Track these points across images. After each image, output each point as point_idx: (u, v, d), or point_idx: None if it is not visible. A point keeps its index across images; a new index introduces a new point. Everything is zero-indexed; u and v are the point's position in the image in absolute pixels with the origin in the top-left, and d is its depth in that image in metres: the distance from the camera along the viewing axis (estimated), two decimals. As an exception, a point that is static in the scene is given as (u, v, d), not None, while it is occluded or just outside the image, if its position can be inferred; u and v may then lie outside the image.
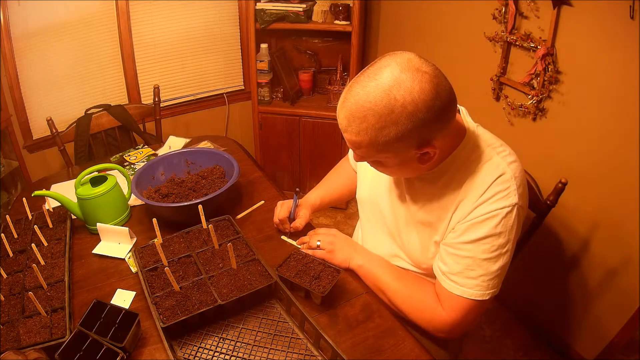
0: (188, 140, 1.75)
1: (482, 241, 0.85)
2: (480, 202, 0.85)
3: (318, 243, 1.09)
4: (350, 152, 1.33)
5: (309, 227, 1.23)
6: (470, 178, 0.88)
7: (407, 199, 1.00)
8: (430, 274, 1.01)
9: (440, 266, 0.93)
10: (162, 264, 1.04)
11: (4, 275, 1.06)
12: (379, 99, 0.75)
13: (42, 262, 1.09)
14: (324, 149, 2.51)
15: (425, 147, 0.81)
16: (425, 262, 1.01)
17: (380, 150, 0.80)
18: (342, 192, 1.32)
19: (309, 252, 1.07)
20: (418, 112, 0.74)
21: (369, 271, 1.04)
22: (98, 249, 1.18)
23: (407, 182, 1.00)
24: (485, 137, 0.92)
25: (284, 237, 1.21)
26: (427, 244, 0.98)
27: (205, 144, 1.69)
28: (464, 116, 0.93)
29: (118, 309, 0.91)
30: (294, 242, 1.18)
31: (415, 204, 0.98)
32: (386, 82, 0.75)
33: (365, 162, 1.06)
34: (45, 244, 1.16)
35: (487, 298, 0.88)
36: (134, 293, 1.04)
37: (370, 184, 1.11)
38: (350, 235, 1.31)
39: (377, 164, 0.90)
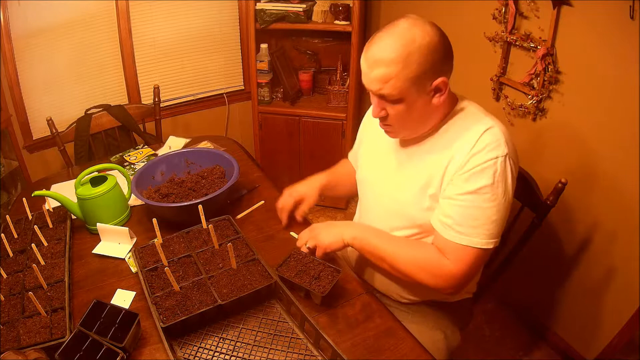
0: (188, 140, 1.75)
1: (482, 190, 0.91)
2: (474, 152, 0.92)
3: (308, 246, 1.08)
4: (351, 153, 1.35)
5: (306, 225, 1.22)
6: (460, 132, 0.96)
7: (404, 165, 1.06)
8: (425, 231, 1.04)
9: (442, 219, 0.96)
10: (162, 264, 1.04)
11: (4, 275, 1.06)
12: (401, 35, 0.88)
13: (42, 262, 1.09)
14: (324, 149, 2.51)
15: (440, 77, 0.90)
16: (422, 218, 1.02)
17: (406, 80, 0.88)
18: (345, 183, 1.34)
19: (306, 250, 1.08)
20: (433, 43, 0.88)
21: (364, 240, 1.04)
22: (98, 249, 1.18)
23: (402, 150, 1.07)
24: (475, 104, 1.02)
25: (292, 234, 1.21)
26: (421, 198, 1.01)
27: (205, 144, 1.69)
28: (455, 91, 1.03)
29: (118, 309, 0.91)
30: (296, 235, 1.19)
31: (411, 167, 1.04)
32: (404, 26, 0.90)
33: (365, 145, 1.20)
34: (45, 244, 1.16)
35: (490, 247, 0.94)
36: (134, 293, 1.04)
37: (369, 161, 1.18)
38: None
39: (397, 106, 0.93)
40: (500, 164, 0.91)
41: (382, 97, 0.93)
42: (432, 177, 0.99)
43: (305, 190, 1.27)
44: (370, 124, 1.19)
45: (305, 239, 1.09)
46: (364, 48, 0.93)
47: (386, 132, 1.04)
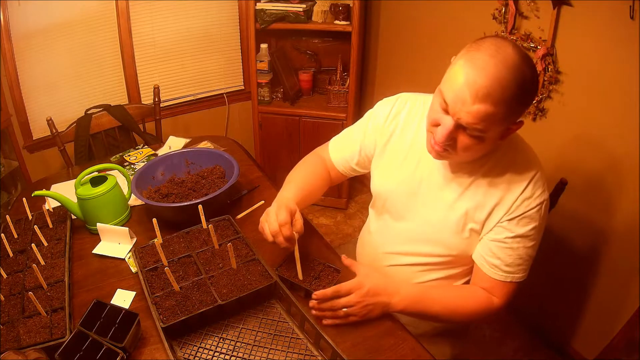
0: (188, 140, 1.75)
1: (531, 232, 0.95)
2: (525, 197, 0.93)
3: (344, 309, 0.94)
4: (330, 148, 1.23)
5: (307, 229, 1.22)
6: (509, 172, 0.94)
7: (444, 187, 1.01)
8: (456, 261, 1.05)
9: (490, 260, 0.97)
10: (162, 264, 1.04)
11: (4, 275, 1.06)
12: (514, 70, 0.78)
13: (42, 262, 1.09)
14: (324, 149, 2.51)
15: (515, 124, 0.87)
16: (456, 246, 1.02)
17: (501, 121, 0.82)
18: (317, 193, 1.20)
19: (337, 321, 0.94)
20: (535, 89, 0.85)
21: (415, 309, 0.98)
22: (98, 249, 1.18)
23: (444, 172, 1.01)
24: (519, 136, 0.99)
25: (295, 233, 0.99)
26: (462, 228, 1.00)
27: (205, 144, 1.69)
28: None
29: (118, 309, 0.91)
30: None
31: (453, 192, 1.00)
32: (516, 58, 0.79)
33: (389, 155, 1.09)
34: (45, 244, 1.16)
35: (525, 277, 0.99)
36: (134, 293, 1.04)
37: (399, 175, 1.07)
38: (359, 229, 1.31)
39: (474, 139, 0.85)
40: (544, 209, 0.94)
41: (465, 128, 0.84)
42: (476, 211, 0.97)
43: (292, 207, 1.02)
44: (401, 133, 1.07)
45: (349, 302, 0.93)
46: (464, 63, 0.81)
47: (436, 152, 0.92)
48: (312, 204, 1.26)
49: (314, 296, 0.93)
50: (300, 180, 1.19)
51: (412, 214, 1.07)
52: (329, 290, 0.93)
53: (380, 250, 1.16)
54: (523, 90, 0.80)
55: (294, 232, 0.98)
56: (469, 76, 0.80)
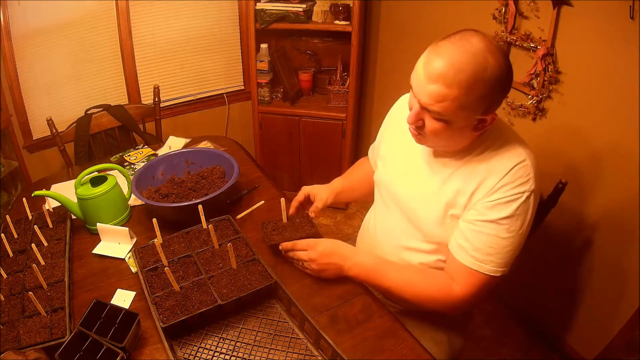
0: (188, 140, 1.75)
1: (503, 221, 0.91)
2: (502, 184, 0.91)
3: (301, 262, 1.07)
4: (371, 149, 1.32)
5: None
6: (493, 159, 0.93)
7: (428, 176, 1.02)
8: (439, 249, 1.04)
9: (459, 242, 0.97)
10: (162, 264, 1.04)
11: (4, 275, 1.06)
12: (474, 57, 0.81)
13: (42, 262, 1.09)
14: (324, 149, 2.51)
15: (488, 114, 0.88)
16: (439, 235, 1.02)
17: (459, 107, 0.84)
18: (362, 187, 1.33)
19: (300, 268, 1.09)
20: (501, 80, 0.84)
21: (366, 278, 1.04)
22: (98, 249, 1.18)
23: (429, 159, 1.03)
24: (509, 128, 1.00)
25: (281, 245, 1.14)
26: (443, 216, 1.00)
27: (205, 144, 1.69)
28: None
29: (118, 309, 0.91)
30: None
31: (437, 180, 1.01)
32: (480, 47, 0.82)
33: (386, 143, 1.16)
34: (45, 244, 1.16)
35: (498, 275, 0.95)
36: (134, 293, 1.04)
37: (392, 164, 1.13)
38: (359, 229, 1.33)
39: (438, 123, 0.89)
40: (524, 200, 0.91)
41: (427, 110, 0.89)
42: (458, 196, 0.97)
43: (319, 190, 1.26)
44: (396, 123, 1.14)
45: (302, 256, 1.05)
46: (428, 49, 0.87)
47: (414, 136, 0.98)
48: (362, 197, 1.37)
49: (280, 247, 1.09)
50: (347, 175, 1.37)
51: (403, 205, 1.09)
52: (289, 244, 1.08)
53: (376, 237, 1.20)
54: (482, 78, 0.81)
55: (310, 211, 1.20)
56: (428, 60, 0.85)
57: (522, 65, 1.59)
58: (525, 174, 0.91)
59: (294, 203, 1.25)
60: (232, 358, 0.88)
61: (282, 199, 1.17)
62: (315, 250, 1.04)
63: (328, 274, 1.05)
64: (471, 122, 0.89)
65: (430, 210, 1.01)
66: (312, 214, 1.20)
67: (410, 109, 0.94)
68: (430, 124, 0.90)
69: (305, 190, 1.27)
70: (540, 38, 1.50)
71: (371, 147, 1.32)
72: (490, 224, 0.92)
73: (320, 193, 1.25)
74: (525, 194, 0.90)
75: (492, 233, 0.92)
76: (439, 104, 0.85)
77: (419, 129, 0.94)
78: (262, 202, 1.36)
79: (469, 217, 0.95)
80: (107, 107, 1.93)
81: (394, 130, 1.15)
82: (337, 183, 1.31)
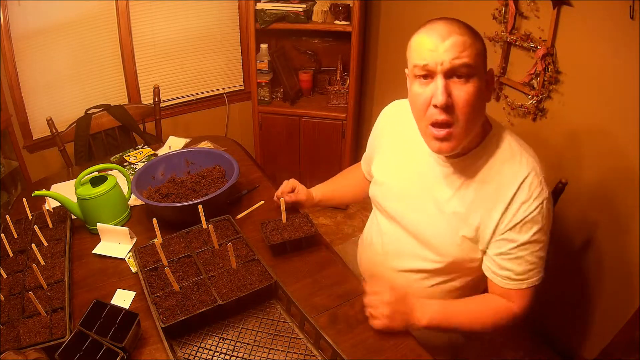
0: (188, 140, 1.75)
1: (535, 236, 0.91)
2: (521, 201, 0.90)
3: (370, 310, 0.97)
4: (364, 159, 1.30)
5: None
6: (502, 174, 0.92)
7: (435, 191, 1.00)
8: (453, 268, 1.02)
9: (500, 272, 0.95)
10: (162, 264, 1.04)
11: (4, 275, 1.06)
12: (460, 21, 0.88)
13: (42, 262, 1.09)
14: (324, 149, 2.51)
15: (487, 73, 0.90)
16: (451, 255, 1.00)
17: (478, 54, 0.86)
18: (345, 194, 1.33)
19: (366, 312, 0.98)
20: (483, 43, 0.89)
21: (439, 324, 0.97)
22: (98, 249, 1.18)
23: (435, 172, 1.00)
24: (511, 134, 0.97)
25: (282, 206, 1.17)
26: (455, 236, 0.98)
27: (205, 144, 1.69)
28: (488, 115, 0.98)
29: (118, 309, 0.91)
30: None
31: (444, 195, 0.99)
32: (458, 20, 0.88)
33: (382, 158, 1.14)
34: (45, 244, 1.16)
35: (542, 278, 0.96)
36: (134, 293, 1.04)
37: (391, 181, 1.10)
38: (359, 229, 1.32)
39: (468, 84, 0.86)
40: (546, 208, 0.90)
41: (454, 72, 0.84)
42: (468, 216, 0.94)
43: (301, 187, 1.28)
44: (389, 137, 1.12)
45: (374, 301, 0.95)
46: (420, 31, 0.90)
47: (441, 139, 0.90)
48: (341, 204, 1.38)
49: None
50: (332, 181, 1.38)
51: (404, 217, 1.07)
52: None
53: (378, 253, 1.16)
54: (475, 30, 0.88)
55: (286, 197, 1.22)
56: (428, 33, 0.88)
57: (522, 65, 1.59)
58: (538, 184, 0.90)
59: (284, 195, 1.25)
60: (232, 358, 0.88)
61: (282, 199, 1.17)
62: (390, 294, 0.95)
63: (397, 324, 0.93)
64: (484, 80, 0.89)
65: (437, 225, 0.99)
66: (287, 198, 1.22)
67: (427, 103, 0.88)
68: (461, 90, 0.85)
69: (290, 182, 1.28)
70: (540, 38, 1.50)
71: (364, 156, 1.30)
72: (523, 246, 0.91)
73: (300, 189, 1.28)
74: (544, 204, 0.90)
75: (527, 252, 0.92)
76: (464, 52, 0.84)
77: (448, 112, 0.86)
78: (262, 202, 1.36)
79: (501, 249, 0.93)
80: (107, 107, 1.93)
81: (388, 146, 1.11)
82: (317, 192, 1.32)
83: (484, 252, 0.98)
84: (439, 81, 0.85)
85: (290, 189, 1.26)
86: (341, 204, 1.37)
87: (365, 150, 1.30)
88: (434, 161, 1.00)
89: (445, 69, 0.84)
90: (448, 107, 0.86)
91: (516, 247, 0.92)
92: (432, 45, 0.85)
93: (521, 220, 0.90)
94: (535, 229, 0.90)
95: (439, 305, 0.99)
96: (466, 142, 0.92)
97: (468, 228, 0.95)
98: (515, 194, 0.90)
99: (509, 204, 0.90)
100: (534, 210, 0.89)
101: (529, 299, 0.97)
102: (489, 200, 0.92)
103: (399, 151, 1.05)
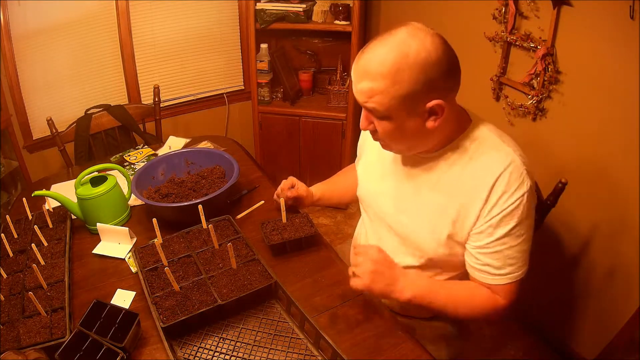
0: (188, 140, 1.75)
1: (514, 230, 0.89)
2: (498, 194, 0.88)
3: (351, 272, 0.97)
4: (357, 158, 1.31)
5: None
6: (480, 166, 0.90)
7: (414, 187, 1.00)
8: (438, 264, 1.02)
9: (480, 268, 0.94)
10: (162, 264, 1.04)
11: (4, 275, 1.06)
12: (395, 46, 0.81)
13: (42, 262, 1.09)
14: (324, 149, 2.51)
15: (434, 100, 0.82)
16: (433, 251, 0.99)
17: (392, 98, 0.82)
18: (344, 193, 1.32)
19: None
20: (430, 60, 0.80)
21: (421, 299, 0.95)
22: (98, 249, 1.18)
23: (412, 171, 1.00)
24: (491, 127, 0.95)
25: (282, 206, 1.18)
26: (434, 232, 0.97)
27: (205, 144, 1.69)
28: (469, 110, 0.97)
29: (118, 309, 0.91)
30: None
31: (423, 190, 0.98)
32: (401, 36, 0.81)
33: (365, 157, 1.13)
34: (45, 244, 1.16)
35: (525, 272, 0.95)
36: (134, 293, 1.04)
37: (372, 178, 1.11)
38: (352, 235, 1.31)
39: (383, 122, 0.86)
40: (526, 201, 0.88)
41: (368, 110, 0.87)
42: (446, 211, 0.93)
43: (301, 184, 1.28)
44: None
45: (356, 267, 0.93)
46: (357, 54, 0.86)
47: (380, 143, 0.96)
48: (341, 204, 1.38)
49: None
50: (330, 180, 1.38)
51: (386, 215, 1.07)
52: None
53: None
54: (405, 64, 0.79)
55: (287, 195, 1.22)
56: (356, 60, 0.86)
57: (522, 65, 1.59)
58: (518, 176, 0.87)
59: (284, 192, 1.25)
60: (232, 358, 0.88)
61: (282, 199, 1.17)
62: (378, 254, 0.94)
63: (377, 285, 0.91)
64: (419, 115, 0.84)
65: (416, 221, 0.99)
66: (288, 194, 1.22)
67: None
68: (379, 125, 0.88)
69: (291, 179, 1.27)
70: (540, 38, 1.50)
71: (357, 158, 1.30)
72: (501, 240, 0.90)
73: (300, 186, 1.27)
74: (525, 195, 0.87)
75: (506, 246, 0.90)
76: (372, 99, 0.84)
77: (374, 135, 0.93)
78: (262, 202, 1.36)
79: (478, 242, 0.92)
80: (107, 107, 1.93)
81: (371, 144, 1.10)
82: (317, 190, 1.31)
83: (464, 246, 0.97)
84: (363, 109, 0.89)
85: (289, 185, 1.26)
86: (340, 203, 1.36)
87: None
88: (410, 158, 1.00)
89: (360, 104, 0.88)
90: (372, 132, 0.92)
91: (494, 240, 0.90)
92: (353, 79, 0.87)
93: (499, 213, 0.88)
94: (514, 222, 0.88)
95: (425, 281, 0.99)
96: (424, 148, 0.94)
97: (448, 222, 0.94)
98: (493, 185, 0.88)
99: (488, 196, 0.88)
100: (514, 203, 0.87)
101: (513, 293, 0.96)
102: (467, 193, 0.91)
103: (380, 151, 1.01)
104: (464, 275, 1.04)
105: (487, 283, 0.95)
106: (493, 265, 0.92)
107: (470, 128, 0.94)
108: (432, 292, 0.96)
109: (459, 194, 0.92)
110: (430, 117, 0.85)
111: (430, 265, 1.03)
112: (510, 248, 0.91)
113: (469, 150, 0.92)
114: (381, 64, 0.80)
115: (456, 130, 0.93)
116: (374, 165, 1.11)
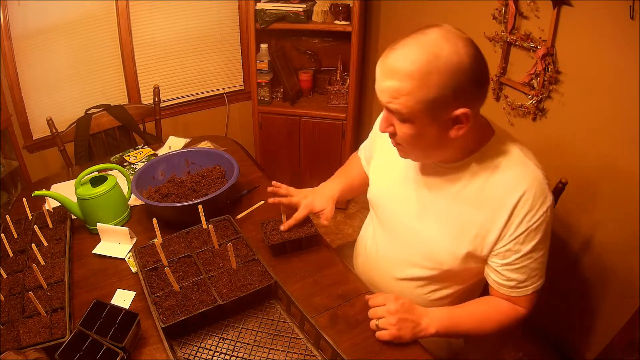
0: (188, 140, 1.75)
1: (538, 244, 0.90)
2: (524, 212, 0.87)
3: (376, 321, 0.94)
4: (361, 150, 1.29)
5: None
6: (503, 182, 0.88)
7: (432, 197, 0.97)
8: (449, 276, 1.01)
9: (505, 283, 0.94)
10: (162, 264, 1.04)
11: (4, 275, 1.06)
12: (429, 47, 0.77)
13: (42, 262, 1.09)
14: (324, 149, 2.51)
15: (461, 108, 0.79)
16: (447, 263, 0.97)
17: (418, 102, 0.78)
18: (360, 183, 1.28)
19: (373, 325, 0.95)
20: (462, 66, 0.76)
21: (446, 331, 0.96)
22: (98, 249, 1.18)
23: (431, 180, 0.98)
24: (515, 140, 0.94)
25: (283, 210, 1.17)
26: (451, 245, 0.95)
27: (205, 144, 1.69)
28: (492, 121, 0.96)
29: (118, 309, 0.91)
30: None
31: (441, 201, 0.96)
32: (433, 37, 0.77)
33: (378, 159, 1.11)
34: (45, 244, 1.16)
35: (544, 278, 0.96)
36: (134, 293, 1.04)
37: (386, 181, 1.08)
38: (359, 229, 1.30)
39: (405, 126, 0.83)
40: (549, 214, 0.88)
41: (390, 111, 0.84)
42: (465, 227, 0.92)
43: (321, 204, 1.20)
44: (386, 139, 1.06)
45: (380, 311, 0.93)
46: (385, 52, 0.82)
47: (397, 149, 0.94)
48: (357, 195, 1.35)
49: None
50: (340, 174, 1.34)
51: (399, 224, 1.05)
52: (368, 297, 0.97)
53: (372, 258, 1.15)
54: (435, 67, 0.75)
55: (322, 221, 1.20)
56: (383, 57, 0.82)
57: (522, 65, 1.59)
58: (541, 193, 0.87)
59: (296, 221, 1.16)
60: (232, 358, 0.88)
61: (282, 205, 1.16)
62: (395, 303, 0.93)
63: (405, 333, 0.91)
64: (443, 122, 0.81)
65: (445, 240, 0.96)
66: (325, 222, 1.19)
67: None
68: (400, 128, 0.85)
69: (307, 208, 1.17)
70: (540, 38, 1.50)
71: (362, 145, 1.28)
72: (527, 255, 0.90)
73: (324, 206, 1.20)
74: (548, 210, 0.87)
75: (531, 260, 0.90)
76: (396, 100, 0.80)
77: (392, 137, 0.90)
78: (262, 202, 1.36)
79: (505, 260, 0.92)
80: (107, 107, 1.93)
81: (385, 149, 1.06)
82: (335, 188, 1.25)
83: (484, 261, 0.96)
84: (384, 110, 0.87)
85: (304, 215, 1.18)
86: (357, 195, 1.33)
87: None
88: (430, 166, 0.97)
89: (383, 104, 0.85)
90: (391, 135, 0.89)
91: (521, 256, 0.90)
92: (378, 77, 0.83)
93: (525, 230, 0.87)
94: (538, 237, 0.88)
95: (445, 311, 0.97)
96: (442, 157, 0.92)
97: (470, 237, 0.93)
98: (517, 202, 0.86)
99: (512, 213, 0.87)
100: (539, 219, 0.87)
101: (534, 301, 0.97)
102: (490, 207, 0.89)
103: (395, 155, 0.98)
104: (468, 290, 1.04)
105: (510, 294, 0.95)
106: (518, 279, 0.93)
107: (494, 140, 0.91)
108: (455, 319, 0.96)
109: (481, 207, 0.90)
110: (454, 126, 0.82)
111: (438, 278, 1.02)
112: (534, 261, 0.91)
113: (494, 163, 0.90)
114: (412, 64, 0.77)
115: (478, 141, 0.91)
116: (387, 169, 1.08)
